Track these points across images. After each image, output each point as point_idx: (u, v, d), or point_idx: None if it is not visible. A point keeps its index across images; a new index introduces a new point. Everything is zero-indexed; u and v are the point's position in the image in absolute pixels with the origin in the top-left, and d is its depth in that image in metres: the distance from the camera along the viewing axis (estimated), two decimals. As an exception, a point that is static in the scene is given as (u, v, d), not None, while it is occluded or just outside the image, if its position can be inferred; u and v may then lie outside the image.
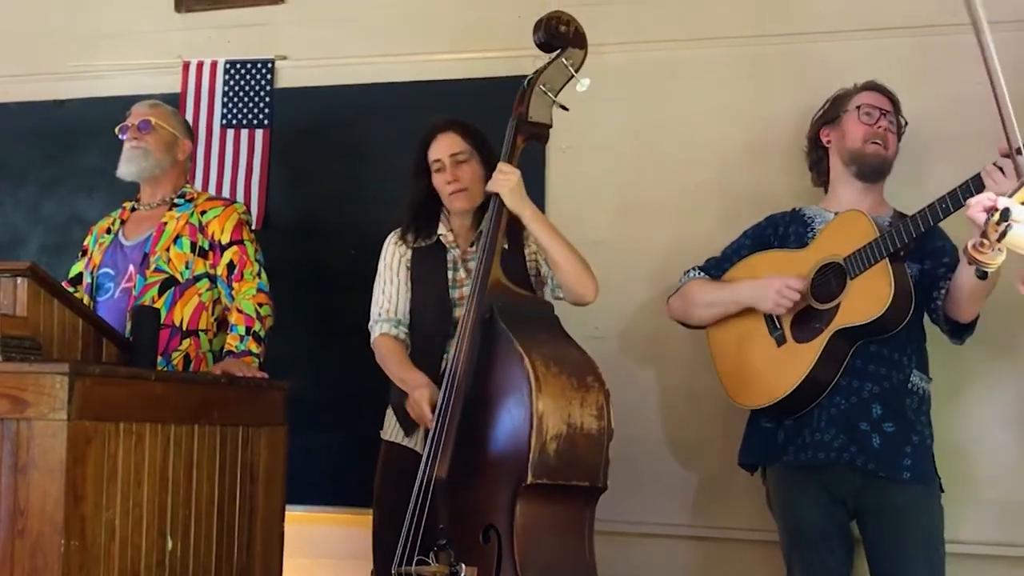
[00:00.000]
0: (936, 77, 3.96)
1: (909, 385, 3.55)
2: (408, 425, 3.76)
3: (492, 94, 4.36)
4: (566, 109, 3.66)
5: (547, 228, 3.66)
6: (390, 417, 3.86)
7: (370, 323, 3.87)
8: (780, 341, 3.59)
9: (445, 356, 3.73)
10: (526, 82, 3.67)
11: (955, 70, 3.87)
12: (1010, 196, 2.68)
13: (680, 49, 4.33)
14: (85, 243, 4.29)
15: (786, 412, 3.58)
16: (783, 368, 3.54)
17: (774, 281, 3.56)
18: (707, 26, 4.30)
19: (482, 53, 4.51)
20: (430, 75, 4.58)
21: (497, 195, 3.61)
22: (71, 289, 4.19)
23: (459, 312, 3.75)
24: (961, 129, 3.90)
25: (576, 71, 3.64)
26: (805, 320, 3.55)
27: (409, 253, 3.87)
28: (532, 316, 3.55)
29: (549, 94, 3.64)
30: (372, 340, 3.85)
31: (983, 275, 3.00)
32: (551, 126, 3.67)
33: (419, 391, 3.60)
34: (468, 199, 3.82)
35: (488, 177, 3.76)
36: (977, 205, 2.93)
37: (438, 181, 3.84)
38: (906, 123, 3.76)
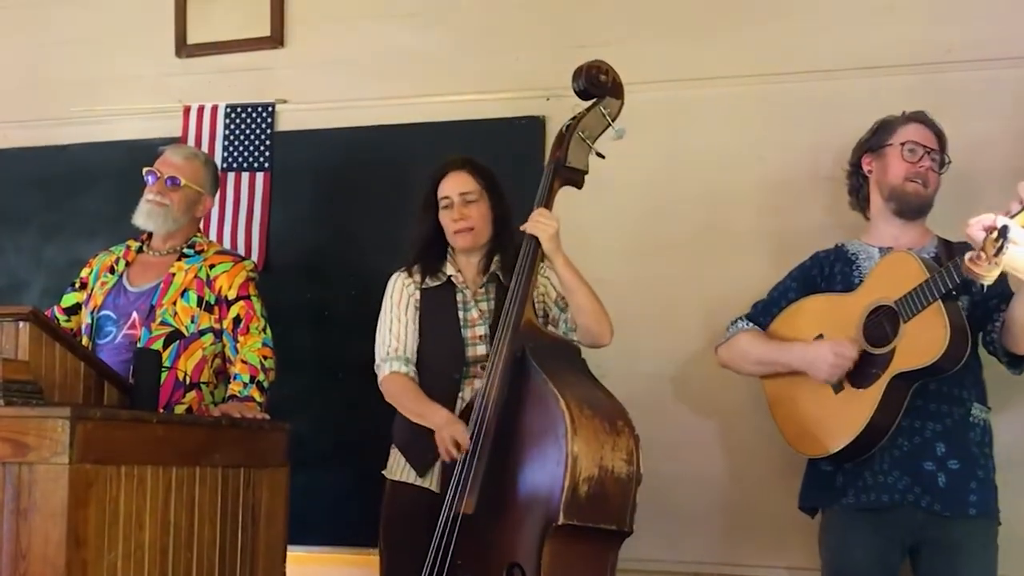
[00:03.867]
0: (948, 113, 3.96)
1: (971, 419, 3.49)
2: (422, 465, 3.76)
3: (490, 136, 4.41)
4: (602, 157, 3.70)
5: (575, 274, 3.68)
6: (396, 457, 3.85)
7: (376, 362, 3.85)
8: (837, 388, 3.51)
9: (460, 395, 3.75)
10: (564, 127, 3.72)
11: (965, 106, 3.89)
12: (1011, 217, 2.75)
13: (691, 88, 4.35)
14: (84, 275, 4.27)
15: (848, 459, 3.50)
16: (843, 416, 3.47)
17: (824, 351, 3.49)
18: (717, 65, 4.32)
19: (481, 95, 4.54)
20: (429, 117, 4.61)
21: (533, 238, 3.62)
22: (64, 318, 4.22)
23: (473, 352, 3.78)
24: (959, 165, 3.90)
25: (613, 120, 3.68)
26: (861, 365, 3.47)
27: (418, 293, 3.87)
28: (561, 357, 3.58)
29: (587, 141, 3.68)
30: (381, 379, 3.82)
31: (981, 288, 3.00)
32: (587, 172, 3.70)
33: (450, 427, 3.56)
34: (473, 238, 3.84)
35: (496, 218, 3.83)
36: (977, 224, 2.98)
37: (444, 218, 3.85)
38: (950, 161, 3.69)
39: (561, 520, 3.25)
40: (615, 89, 3.71)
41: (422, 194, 3.91)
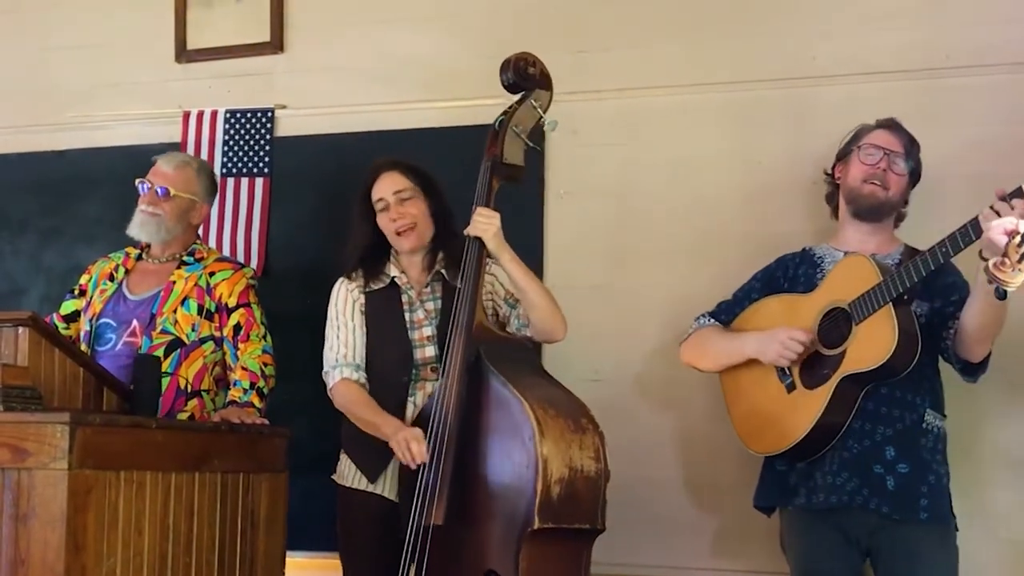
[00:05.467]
0: (930, 120, 3.97)
1: (923, 425, 3.52)
2: (372, 471, 3.74)
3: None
4: (538, 150, 3.68)
5: (524, 270, 3.65)
6: (346, 462, 3.83)
7: (325, 370, 3.82)
8: (790, 388, 3.56)
9: (411, 399, 3.73)
10: (497, 123, 3.68)
11: (949, 113, 3.89)
12: None
13: (676, 94, 4.35)
14: (83, 282, 4.28)
15: (799, 457, 3.55)
16: (794, 415, 3.52)
17: (779, 333, 3.55)
18: (703, 71, 4.32)
19: (481, 100, 4.52)
20: (429, 123, 4.60)
21: (476, 239, 3.60)
22: (63, 325, 4.21)
23: (421, 354, 3.75)
24: (958, 170, 3.91)
25: (544, 112, 3.66)
26: (814, 366, 3.52)
27: (362, 298, 3.84)
28: (517, 358, 3.56)
29: (521, 136, 3.66)
30: (330, 387, 3.80)
31: (1003, 295, 3.02)
32: (524, 167, 3.68)
33: (403, 433, 3.54)
34: (417, 237, 3.81)
35: (434, 213, 3.81)
36: (998, 227, 2.97)
37: (383, 221, 3.82)
38: (917, 171, 3.71)
39: (537, 524, 3.24)
40: (543, 81, 3.69)
41: (356, 203, 3.89)
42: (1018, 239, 2.80)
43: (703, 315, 3.85)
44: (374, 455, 3.70)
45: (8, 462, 3.07)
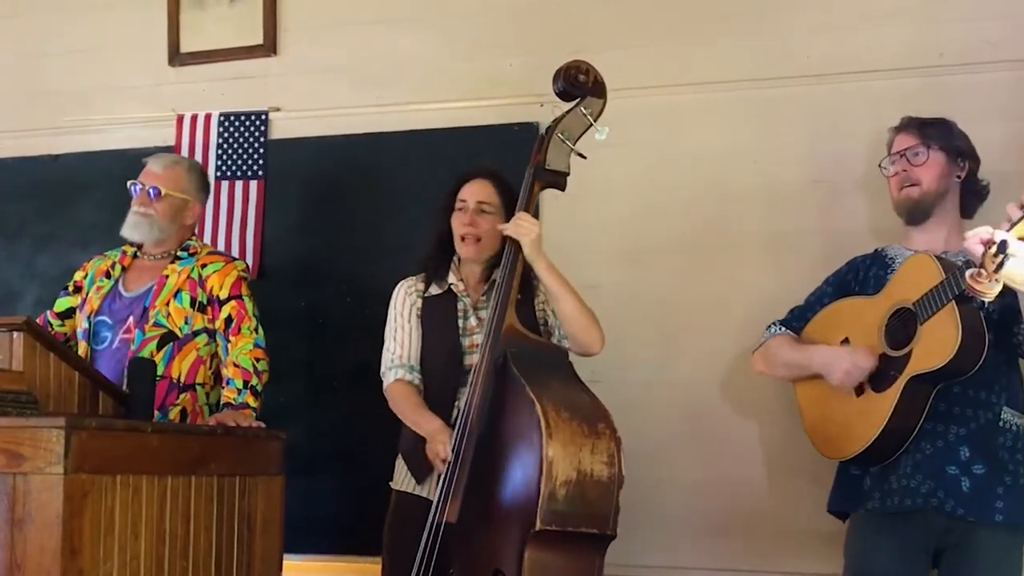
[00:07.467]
0: (943, 116, 3.96)
1: (1000, 423, 3.45)
2: (420, 473, 3.76)
3: (484, 142, 4.41)
4: (583, 157, 3.69)
5: (559, 280, 3.68)
6: (400, 466, 3.85)
7: (382, 370, 3.86)
8: (859, 391, 3.51)
9: (457, 403, 3.74)
10: (544, 130, 3.73)
11: (960, 110, 3.87)
12: (1008, 230, 2.71)
13: (686, 93, 4.35)
14: (78, 279, 4.27)
15: (872, 461, 3.50)
16: (863, 419, 3.46)
17: (843, 357, 3.51)
18: (713, 70, 4.32)
19: (474, 102, 4.55)
20: (422, 125, 4.61)
21: (514, 243, 3.63)
22: (58, 322, 4.21)
23: (470, 359, 3.77)
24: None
25: (595, 120, 3.67)
26: (882, 368, 3.47)
27: (420, 301, 3.87)
28: (545, 362, 3.56)
29: (567, 142, 3.67)
30: (385, 386, 3.84)
31: (982, 305, 2.97)
32: (568, 173, 3.70)
33: (439, 435, 3.59)
34: (477, 250, 3.83)
35: (505, 235, 3.79)
36: (974, 238, 2.93)
37: (455, 220, 3.86)
38: (955, 143, 3.64)
39: (538, 526, 3.23)
40: (596, 88, 3.69)
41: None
42: (993, 249, 2.77)
43: (774, 323, 3.81)
44: (423, 457, 3.71)
45: (4, 467, 3.06)
